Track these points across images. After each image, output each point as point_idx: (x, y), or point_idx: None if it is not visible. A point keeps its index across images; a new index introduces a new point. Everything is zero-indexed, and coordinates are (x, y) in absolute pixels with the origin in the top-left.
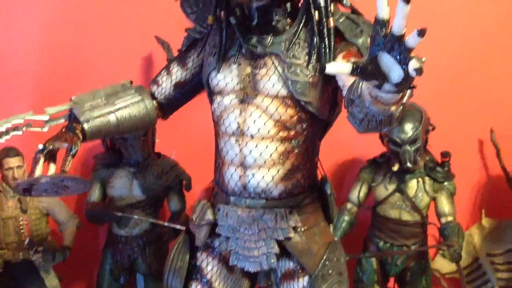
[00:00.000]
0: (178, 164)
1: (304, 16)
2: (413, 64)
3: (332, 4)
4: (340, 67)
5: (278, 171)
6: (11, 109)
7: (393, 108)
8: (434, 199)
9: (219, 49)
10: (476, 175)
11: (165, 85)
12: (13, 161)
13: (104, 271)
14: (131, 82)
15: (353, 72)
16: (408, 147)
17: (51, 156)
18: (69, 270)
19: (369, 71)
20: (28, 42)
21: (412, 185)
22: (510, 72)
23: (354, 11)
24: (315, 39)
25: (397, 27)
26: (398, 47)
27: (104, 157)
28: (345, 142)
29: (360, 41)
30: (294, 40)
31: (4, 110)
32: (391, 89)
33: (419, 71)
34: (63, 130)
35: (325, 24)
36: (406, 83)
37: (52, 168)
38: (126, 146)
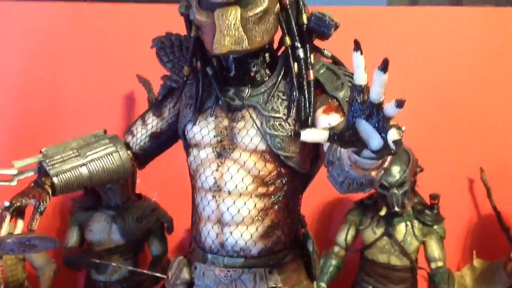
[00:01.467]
0: (159, 206)
1: (283, 67)
2: (392, 136)
3: (312, 55)
4: (315, 135)
5: (257, 228)
6: None
7: (373, 173)
8: (423, 243)
9: (195, 101)
10: (467, 215)
11: (140, 135)
12: None
13: None
14: (105, 132)
15: (330, 140)
16: (395, 191)
17: (18, 213)
18: None
19: (346, 138)
20: (3, 81)
21: (401, 229)
22: (498, 110)
23: (335, 61)
24: (294, 92)
25: (375, 94)
26: (377, 115)
27: (82, 199)
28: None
29: (341, 94)
30: (273, 92)
31: None
32: (371, 156)
33: (398, 143)
34: (31, 185)
35: (304, 76)
36: (386, 150)
37: (20, 225)
38: (104, 189)
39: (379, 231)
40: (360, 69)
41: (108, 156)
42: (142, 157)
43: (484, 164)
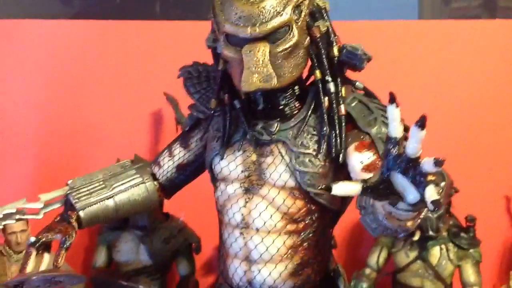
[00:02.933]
0: (187, 226)
1: (313, 101)
2: (430, 195)
3: (343, 88)
4: (347, 189)
5: (286, 266)
6: (11, 175)
7: (409, 224)
8: (458, 267)
9: (223, 134)
10: (503, 235)
11: (167, 167)
12: (16, 225)
13: None
14: (132, 161)
15: (363, 194)
16: (430, 214)
17: (45, 247)
18: None
19: (381, 191)
20: (29, 104)
21: (435, 253)
22: None
23: (367, 92)
24: (325, 127)
25: (411, 149)
26: (414, 169)
27: None
28: None
29: (374, 130)
30: (302, 127)
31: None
32: (407, 208)
33: (437, 204)
34: (58, 219)
35: (335, 111)
36: (423, 204)
37: (46, 261)
38: None
39: (413, 254)
40: (395, 121)
41: (135, 188)
42: (169, 188)
43: None
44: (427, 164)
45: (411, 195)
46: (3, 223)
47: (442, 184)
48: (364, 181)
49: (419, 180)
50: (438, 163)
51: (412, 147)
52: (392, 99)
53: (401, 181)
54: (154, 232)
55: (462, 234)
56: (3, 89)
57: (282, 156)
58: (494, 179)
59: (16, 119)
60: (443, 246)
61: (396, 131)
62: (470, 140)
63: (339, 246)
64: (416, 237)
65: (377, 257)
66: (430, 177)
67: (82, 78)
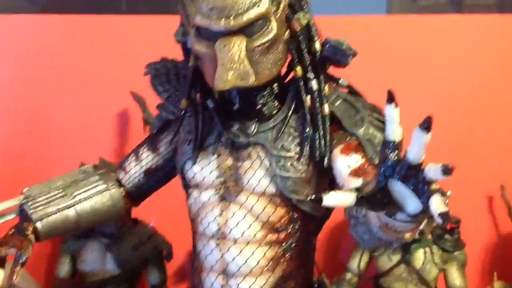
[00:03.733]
0: (157, 232)
1: (294, 100)
2: (437, 207)
3: (326, 86)
4: (340, 200)
5: (267, 280)
6: None
7: (407, 236)
8: (443, 270)
9: (195, 137)
10: (487, 235)
11: (134, 172)
12: None
13: None
14: (96, 166)
15: (357, 204)
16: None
17: None
18: None
19: (377, 201)
20: None
21: (419, 256)
22: None
23: (352, 91)
24: (307, 128)
25: (413, 155)
26: (415, 177)
27: None
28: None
29: (361, 131)
30: (282, 128)
31: None
32: (406, 219)
33: (444, 218)
34: (12, 231)
35: (319, 111)
36: (425, 214)
37: (0, 276)
38: None
39: (396, 258)
40: (394, 123)
41: (98, 195)
42: (136, 195)
43: (505, 181)
44: (433, 172)
45: (412, 205)
46: None
47: (448, 193)
48: (358, 190)
49: (422, 189)
50: (447, 171)
51: (414, 152)
52: (391, 98)
53: (400, 190)
54: (122, 239)
55: (447, 237)
56: None
57: (261, 160)
58: (478, 179)
59: None
60: (427, 249)
61: (395, 134)
62: (452, 140)
63: (317, 250)
64: None
65: (358, 261)
66: (434, 186)
67: (44, 75)
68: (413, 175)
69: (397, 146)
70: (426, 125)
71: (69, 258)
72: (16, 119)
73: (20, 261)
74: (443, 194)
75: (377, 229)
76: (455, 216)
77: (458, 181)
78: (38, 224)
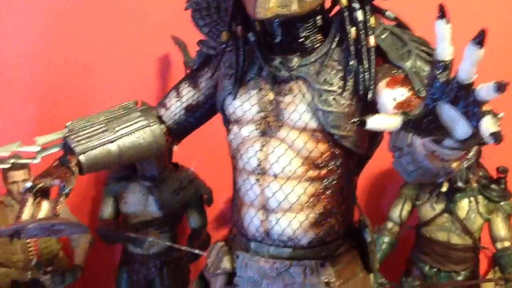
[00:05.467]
0: (198, 177)
1: (338, 32)
2: (487, 127)
3: (372, 17)
4: (385, 122)
5: (307, 216)
6: (10, 123)
7: (454, 165)
8: (488, 220)
9: (236, 71)
10: None
11: (175, 109)
12: (18, 175)
13: None
14: (136, 103)
15: (403, 128)
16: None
17: (42, 194)
18: None
19: (424, 125)
20: (29, 48)
21: (463, 205)
22: None
23: (399, 24)
24: (351, 61)
25: (464, 73)
26: (465, 98)
27: (117, 170)
28: (384, 151)
29: (407, 64)
30: (325, 61)
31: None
32: (454, 146)
33: (497, 137)
34: (56, 164)
35: (364, 43)
36: (475, 140)
37: (44, 208)
38: None
39: (439, 207)
40: (445, 41)
41: (139, 131)
42: (177, 132)
43: None
44: (485, 90)
45: (462, 129)
46: None
47: (500, 115)
48: (405, 113)
49: (472, 111)
50: (501, 87)
51: (465, 71)
52: (442, 14)
53: (449, 113)
54: (163, 183)
55: (493, 186)
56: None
57: (303, 95)
58: None
59: (15, 64)
60: (472, 198)
61: (445, 52)
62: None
63: (359, 199)
64: (443, 189)
65: (400, 210)
66: (485, 107)
67: (84, 21)
68: (464, 96)
69: (447, 66)
70: (479, 40)
71: (112, 200)
72: (55, 67)
73: (64, 191)
74: (495, 115)
75: (423, 157)
76: (502, 166)
77: (508, 129)
78: (81, 157)
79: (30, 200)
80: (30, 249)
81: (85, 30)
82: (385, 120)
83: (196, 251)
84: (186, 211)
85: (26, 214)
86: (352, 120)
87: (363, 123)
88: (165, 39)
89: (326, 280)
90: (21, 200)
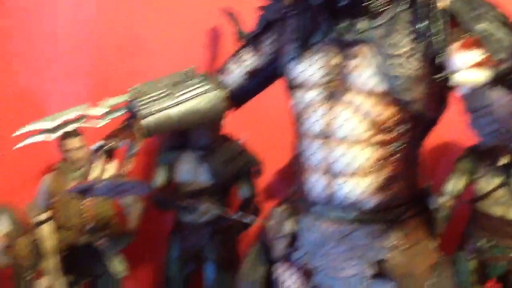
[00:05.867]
0: (248, 149)
1: None
2: None
3: None
4: (474, 76)
5: (373, 180)
6: (64, 93)
7: None
8: None
9: (300, 36)
10: None
11: (235, 74)
12: (73, 142)
13: (171, 258)
14: (196, 70)
15: (496, 84)
16: None
17: (108, 155)
18: (134, 255)
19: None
20: (78, 21)
21: None
22: None
23: None
24: (421, 24)
25: None
26: None
27: (170, 139)
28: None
29: (479, 27)
30: (393, 24)
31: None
32: None
33: None
34: (122, 126)
35: (433, 5)
36: None
37: (110, 169)
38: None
39: (496, 181)
40: None
41: (200, 96)
42: (237, 98)
43: None
44: None
45: None
46: (66, 128)
47: None
48: (495, 68)
49: None
50: None
51: None
52: None
53: None
54: (215, 153)
55: None
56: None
57: (370, 58)
58: None
59: (68, 35)
60: None
61: None
62: None
63: None
64: (502, 162)
65: (455, 185)
66: None
67: None
68: None
69: None
70: None
71: (165, 169)
72: (107, 38)
73: (131, 152)
74: None
75: (505, 115)
76: None
77: None
78: (145, 121)
79: (98, 160)
80: (85, 214)
81: (137, 3)
82: (473, 74)
83: (247, 220)
84: (236, 182)
85: (95, 174)
86: (419, 93)
87: (450, 77)
88: (214, 11)
89: (390, 245)
90: (89, 160)
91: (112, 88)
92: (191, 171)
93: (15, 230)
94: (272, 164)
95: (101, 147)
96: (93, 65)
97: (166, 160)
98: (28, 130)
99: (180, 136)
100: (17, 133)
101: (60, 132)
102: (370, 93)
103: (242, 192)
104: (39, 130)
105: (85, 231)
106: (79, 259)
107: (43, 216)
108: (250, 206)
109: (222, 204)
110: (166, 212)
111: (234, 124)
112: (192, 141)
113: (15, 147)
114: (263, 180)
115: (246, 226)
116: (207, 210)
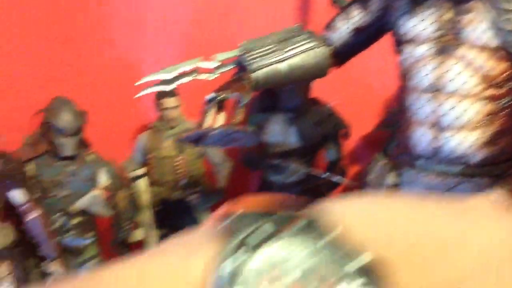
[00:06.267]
0: (336, 112)
1: None
2: None
3: None
4: None
5: (481, 135)
6: (163, 57)
7: None
8: None
9: None
10: None
11: (343, 30)
12: (170, 101)
13: None
14: (302, 27)
15: None
16: None
17: (219, 107)
18: None
19: None
20: None
21: None
22: None
23: None
24: None
25: None
26: None
27: (260, 101)
28: None
29: None
30: None
31: (156, 58)
32: None
33: None
34: (233, 79)
35: None
36: None
37: (221, 119)
38: (283, 89)
39: None
40: None
41: (308, 52)
42: (342, 54)
43: None
44: None
45: None
46: (180, 81)
47: None
48: None
49: None
50: None
51: None
52: None
53: None
54: (304, 115)
55: None
56: None
57: (484, 13)
58: None
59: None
60: None
61: None
62: None
63: None
64: None
65: None
66: None
67: None
68: None
69: None
70: None
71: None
72: (200, 6)
73: (242, 103)
74: None
75: None
76: None
77: None
78: (255, 74)
79: (211, 110)
80: (178, 170)
81: None
82: None
83: (335, 179)
84: (324, 144)
85: (207, 123)
86: None
87: None
88: None
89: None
90: (203, 109)
91: (205, 51)
92: (280, 132)
93: (114, 184)
94: (359, 129)
95: (214, 98)
96: (187, 29)
97: (256, 121)
98: (148, 81)
99: (270, 98)
100: (139, 82)
101: (176, 84)
102: (483, 48)
103: (329, 154)
104: (157, 81)
105: (178, 187)
106: (171, 214)
107: (140, 172)
108: (336, 168)
109: (309, 166)
110: (254, 171)
111: (322, 88)
112: (282, 103)
113: (136, 96)
114: (349, 144)
115: (334, 186)
116: (296, 170)
